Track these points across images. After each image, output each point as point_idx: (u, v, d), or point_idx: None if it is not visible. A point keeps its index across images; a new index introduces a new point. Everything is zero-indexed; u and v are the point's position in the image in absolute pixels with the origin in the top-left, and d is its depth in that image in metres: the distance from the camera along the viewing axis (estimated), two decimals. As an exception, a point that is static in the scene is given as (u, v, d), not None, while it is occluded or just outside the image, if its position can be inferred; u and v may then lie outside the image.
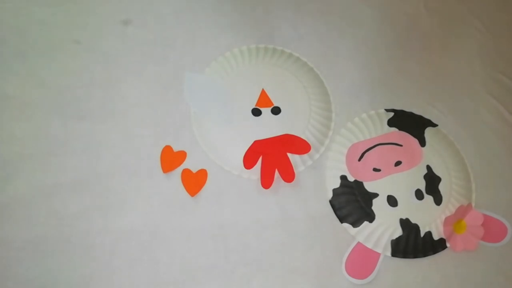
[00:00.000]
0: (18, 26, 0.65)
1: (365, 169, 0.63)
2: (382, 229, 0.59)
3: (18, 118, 0.60)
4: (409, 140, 0.65)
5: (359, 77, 0.69)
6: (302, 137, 0.63)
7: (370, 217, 0.60)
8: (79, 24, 0.67)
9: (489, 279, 0.58)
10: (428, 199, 0.61)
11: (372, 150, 0.64)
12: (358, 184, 0.62)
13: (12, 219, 0.55)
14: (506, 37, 0.74)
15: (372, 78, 0.69)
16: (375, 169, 0.63)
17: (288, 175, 0.60)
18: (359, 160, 0.63)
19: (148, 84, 0.64)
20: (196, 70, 0.66)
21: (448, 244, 0.59)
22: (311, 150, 0.62)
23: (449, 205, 0.61)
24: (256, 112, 0.64)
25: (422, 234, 0.59)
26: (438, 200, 0.62)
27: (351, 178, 0.62)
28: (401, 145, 0.64)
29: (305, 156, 0.62)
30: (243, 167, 0.60)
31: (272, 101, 0.65)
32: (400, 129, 0.65)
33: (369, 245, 0.58)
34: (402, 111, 0.67)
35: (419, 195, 0.62)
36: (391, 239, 0.59)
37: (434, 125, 0.66)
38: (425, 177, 0.63)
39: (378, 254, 0.58)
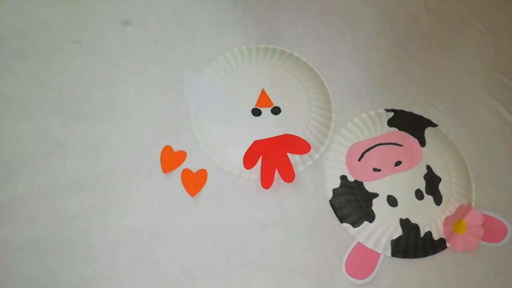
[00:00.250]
0: (18, 26, 0.65)
1: (365, 169, 0.63)
2: (382, 229, 0.59)
3: (18, 118, 0.60)
4: (409, 140, 0.65)
5: (359, 77, 0.69)
6: (302, 137, 0.63)
7: (370, 217, 0.60)
8: (79, 24, 0.67)
9: (489, 279, 0.58)
10: (428, 199, 0.61)
11: (372, 150, 0.64)
12: (358, 184, 0.62)
13: (12, 219, 0.55)
14: (506, 37, 0.74)
15: (372, 78, 0.69)
16: (375, 169, 0.63)
17: (288, 175, 0.60)
18: (359, 160, 0.63)
19: (148, 84, 0.64)
20: (196, 70, 0.66)
21: (448, 244, 0.59)
22: (311, 150, 0.62)
23: (449, 205, 0.61)
24: (256, 112, 0.64)
25: (422, 234, 0.59)
26: (438, 200, 0.62)
27: (351, 178, 0.62)
28: (401, 145, 0.64)
29: (305, 156, 0.62)
30: (243, 167, 0.60)
31: (272, 101, 0.65)
32: (400, 129, 0.65)
33: (369, 245, 0.58)
34: (402, 111, 0.67)
35: (419, 195, 0.62)
36: (391, 239, 0.59)
37: (434, 125, 0.66)
38: (425, 177, 0.63)
39: (378, 254, 0.58)
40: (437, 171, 0.63)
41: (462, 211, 0.60)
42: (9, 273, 0.52)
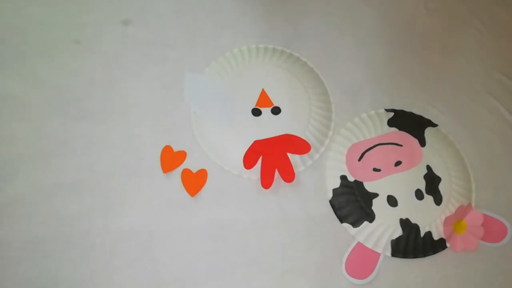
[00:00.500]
0: (18, 26, 0.65)
1: (365, 169, 0.63)
2: (382, 229, 0.59)
3: (18, 118, 0.60)
4: (409, 140, 0.65)
5: (359, 77, 0.69)
6: (302, 137, 0.63)
7: (370, 217, 0.60)
8: (78, 24, 0.67)
9: (489, 279, 0.58)
10: (428, 199, 0.61)
11: (372, 150, 0.64)
12: (358, 184, 0.62)
13: (12, 219, 0.54)
14: (506, 37, 0.74)
15: (372, 78, 0.69)
16: (375, 169, 0.63)
17: (288, 175, 0.60)
18: (359, 160, 0.63)
19: (148, 84, 0.64)
20: (196, 70, 0.66)
21: (448, 244, 0.59)
22: (311, 150, 0.62)
23: (449, 205, 0.61)
24: (256, 112, 0.64)
25: (422, 234, 0.59)
26: (438, 200, 0.62)
27: (351, 178, 0.62)
28: (401, 145, 0.64)
29: (305, 156, 0.62)
30: (243, 167, 0.60)
31: (272, 101, 0.65)
32: (400, 129, 0.65)
33: (369, 245, 0.58)
34: (402, 111, 0.67)
35: (419, 195, 0.62)
36: (391, 239, 0.59)
37: (434, 125, 0.66)
38: (425, 177, 0.63)
39: (378, 254, 0.58)
40: (437, 171, 0.63)
41: (462, 211, 0.60)
42: (9, 273, 0.52)
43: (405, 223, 0.60)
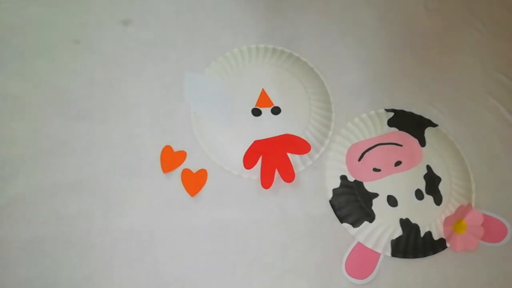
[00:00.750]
0: (18, 26, 0.65)
1: (365, 169, 0.63)
2: (382, 229, 0.59)
3: (18, 118, 0.60)
4: (409, 140, 0.65)
5: (359, 77, 0.69)
6: (302, 137, 0.63)
7: (370, 217, 0.60)
8: (79, 24, 0.67)
9: (489, 279, 0.58)
10: (428, 199, 0.61)
11: (372, 150, 0.64)
12: (358, 184, 0.62)
13: (12, 219, 0.54)
14: (506, 37, 0.74)
15: (372, 78, 0.69)
16: (375, 169, 0.63)
17: (288, 175, 0.60)
18: (359, 160, 0.63)
19: (148, 84, 0.64)
20: (196, 70, 0.66)
21: (448, 244, 0.59)
22: (311, 150, 0.62)
23: (449, 205, 0.61)
24: (256, 112, 0.64)
25: (422, 234, 0.59)
26: (438, 200, 0.62)
27: (351, 178, 0.62)
28: (401, 145, 0.64)
29: (305, 156, 0.62)
30: (243, 167, 0.60)
31: (272, 101, 0.65)
32: (400, 129, 0.65)
33: (369, 245, 0.58)
34: (402, 111, 0.67)
35: (419, 195, 0.62)
36: (391, 239, 0.59)
37: (434, 125, 0.66)
38: (425, 177, 0.63)
39: (378, 254, 0.58)
40: (437, 171, 0.63)
41: (462, 211, 0.60)
42: (9, 273, 0.52)
43: (405, 223, 0.60)
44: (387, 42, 0.72)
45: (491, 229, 0.60)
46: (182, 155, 0.61)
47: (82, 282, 0.53)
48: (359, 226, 0.59)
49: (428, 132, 0.66)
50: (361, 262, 0.57)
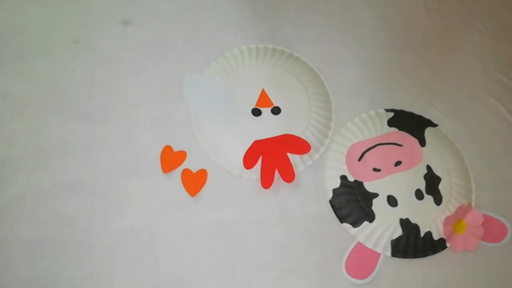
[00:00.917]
0: (18, 26, 0.65)
1: (365, 169, 0.63)
2: (382, 229, 0.59)
3: (18, 118, 0.60)
4: (409, 140, 0.65)
5: (359, 77, 0.69)
6: (302, 137, 0.63)
7: (370, 217, 0.60)
8: (79, 24, 0.67)
9: (489, 279, 0.58)
10: (428, 199, 0.61)
11: (372, 150, 0.64)
12: (358, 184, 0.62)
13: (12, 219, 0.54)
14: (506, 37, 0.74)
15: (372, 78, 0.69)
16: (375, 169, 0.63)
17: (288, 175, 0.60)
18: (359, 160, 0.63)
19: (148, 84, 0.64)
20: (196, 70, 0.66)
21: (448, 244, 0.59)
22: (311, 150, 0.62)
23: (449, 205, 0.61)
24: (256, 112, 0.64)
25: (422, 234, 0.59)
26: (438, 200, 0.62)
27: (351, 178, 0.62)
28: (401, 145, 0.64)
29: (305, 156, 0.62)
30: (243, 167, 0.60)
31: (272, 101, 0.65)
32: (400, 129, 0.65)
33: (369, 245, 0.58)
34: (402, 111, 0.67)
35: (419, 195, 0.62)
36: (391, 239, 0.59)
37: (434, 125, 0.66)
38: (425, 177, 0.63)
39: (378, 254, 0.58)
40: (437, 171, 0.63)
41: (462, 211, 0.60)
42: (9, 273, 0.52)
43: (405, 223, 0.60)
44: (387, 42, 0.72)
45: (491, 229, 0.60)
46: (182, 155, 0.61)
47: (82, 282, 0.53)
48: (359, 226, 0.59)
49: (428, 132, 0.66)
50: (361, 262, 0.57)
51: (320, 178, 0.62)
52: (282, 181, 0.60)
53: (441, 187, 0.62)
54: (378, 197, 0.61)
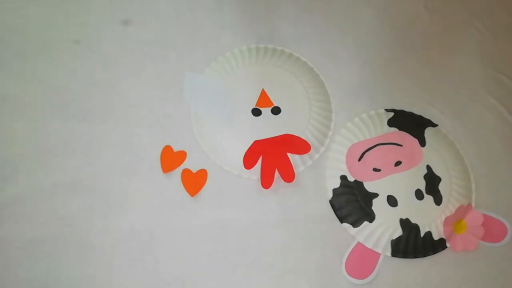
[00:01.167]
0: (18, 26, 0.65)
1: (365, 169, 0.63)
2: (382, 229, 0.59)
3: (18, 118, 0.60)
4: (409, 140, 0.65)
5: (359, 77, 0.69)
6: (302, 137, 0.63)
7: (370, 217, 0.60)
8: (79, 24, 0.67)
9: (489, 279, 0.58)
10: (428, 199, 0.61)
11: (372, 150, 0.64)
12: (358, 184, 0.62)
13: (12, 219, 0.55)
14: (506, 37, 0.74)
15: (372, 78, 0.69)
16: (375, 169, 0.63)
17: (288, 175, 0.60)
18: (359, 160, 0.63)
19: (148, 84, 0.64)
20: (196, 70, 0.66)
21: (448, 244, 0.59)
22: (311, 150, 0.62)
23: (449, 205, 0.61)
24: (256, 112, 0.64)
25: (422, 234, 0.59)
26: (438, 200, 0.62)
27: (351, 178, 0.62)
28: (401, 145, 0.64)
29: (305, 156, 0.62)
30: (243, 167, 0.60)
31: (272, 101, 0.65)
32: (400, 129, 0.65)
33: (369, 245, 0.58)
34: (402, 111, 0.67)
35: (419, 195, 0.62)
36: (391, 239, 0.59)
37: (434, 125, 0.66)
38: (425, 177, 0.63)
39: (378, 254, 0.58)
40: (437, 171, 0.63)
41: (462, 211, 0.60)
42: (9, 273, 0.52)
43: (405, 223, 0.60)
44: (387, 42, 0.72)
45: (491, 229, 0.60)
46: (182, 155, 0.61)
47: (82, 282, 0.53)
48: (359, 226, 0.59)
49: (428, 132, 0.66)
50: (361, 262, 0.57)
51: (320, 178, 0.62)
52: (282, 181, 0.60)
53: (441, 187, 0.62)
54: (378, 197, 0.61)
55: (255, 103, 0.65)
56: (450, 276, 0.58)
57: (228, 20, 0.70)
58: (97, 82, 0.63)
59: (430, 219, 0.61)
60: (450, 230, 0.60)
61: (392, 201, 0.61)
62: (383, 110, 0.66)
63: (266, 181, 0.60)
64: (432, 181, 0.63)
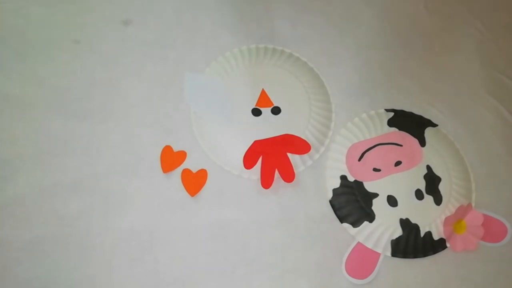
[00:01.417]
0: (18, 26, 0.65)
1: (365, 169, 0.63)
2: (382, 229, 0.59)
3: (18, 118, 0.60)
4: (409, 140, 0.65)
5: (359, 77, 0.69)
6: (302, 137, 0.63)
7: (370, 217, 0.60)
8: (78, 24, 0.67)
9: (489, 279, 0.58)
10: (428, 199, 0.61)
11: (372, 150, 0.64)
12: (358, 184, 0.62)
13: (12, 219, 0.54)
14: (506, 37, 0.74)
15: (372, 78, 0.69)
16: (375, 169, 0.63)
17: (288, 175, 0.60)
18: (359, 160, 0.63)
19: (148, 84, 0.64)
20: (196, 70, 0.66)
21: (448, 244, 0.59)
22: (311, 150, 0.62)
23: (449, 205, 0.61)
24: (256, 112, 0.64)
25: (422, 234, 0.59)
26: (438, 200, 0.62)
27: (351, 178, 0.62)
28: (401, 145, 0.64)
29: (305, 156, 0.62)
30: (243, 167, 0.60)
31: (272, 101, 0.65)
32: (400, 129, 0.65)
33: (369, 245, 0.58)
34: (402, 111, 0.67)
35: (419, 195, 0.62)
36: (391, 239, 0.59)
37: (434, 125, 0.66)
38: (425, 177, 0.63)
39: (378, 254, 0.58)
40: (437, 171, 0.63)
41: (462, 211, 0.60)
42: (9, 273, 0.52)
43: (405, 223, 0.60)
44: (387, 42, 0.72)
45: (491, 229, 0.60)
46: (182, 155, 0.61)
47: (82, 282, 0.53)
48: (359, 226, 0.59)
49: (428, 132, 0.66)
50: (361, 262, 0.57)
51: (320, 178, 0.62)
52: (282, 181, 0.60)
53: (441, 187, 0.62)
54: (378, 197, 0.61)
55: (255, 103, 0.65)
56: (450, 276, 0.58)
57: (228, 20, 0.70)
58: (97, 82, 0.63)
59: (430, 219, 0.61)
60: (450, 230, 0.60)
61: (392, 201, 0.61)
62: (383, 110, 0.66)
63: (266, 181, 0.60)
64: (432, 181, 0.63)
